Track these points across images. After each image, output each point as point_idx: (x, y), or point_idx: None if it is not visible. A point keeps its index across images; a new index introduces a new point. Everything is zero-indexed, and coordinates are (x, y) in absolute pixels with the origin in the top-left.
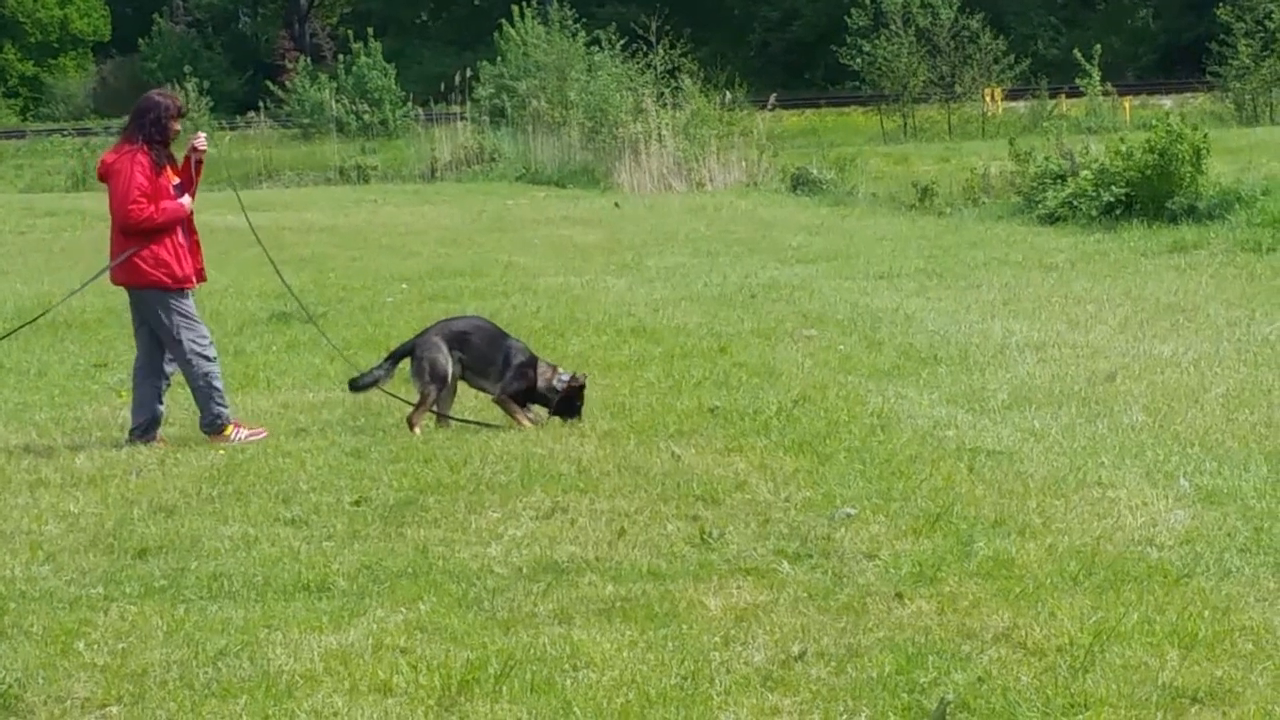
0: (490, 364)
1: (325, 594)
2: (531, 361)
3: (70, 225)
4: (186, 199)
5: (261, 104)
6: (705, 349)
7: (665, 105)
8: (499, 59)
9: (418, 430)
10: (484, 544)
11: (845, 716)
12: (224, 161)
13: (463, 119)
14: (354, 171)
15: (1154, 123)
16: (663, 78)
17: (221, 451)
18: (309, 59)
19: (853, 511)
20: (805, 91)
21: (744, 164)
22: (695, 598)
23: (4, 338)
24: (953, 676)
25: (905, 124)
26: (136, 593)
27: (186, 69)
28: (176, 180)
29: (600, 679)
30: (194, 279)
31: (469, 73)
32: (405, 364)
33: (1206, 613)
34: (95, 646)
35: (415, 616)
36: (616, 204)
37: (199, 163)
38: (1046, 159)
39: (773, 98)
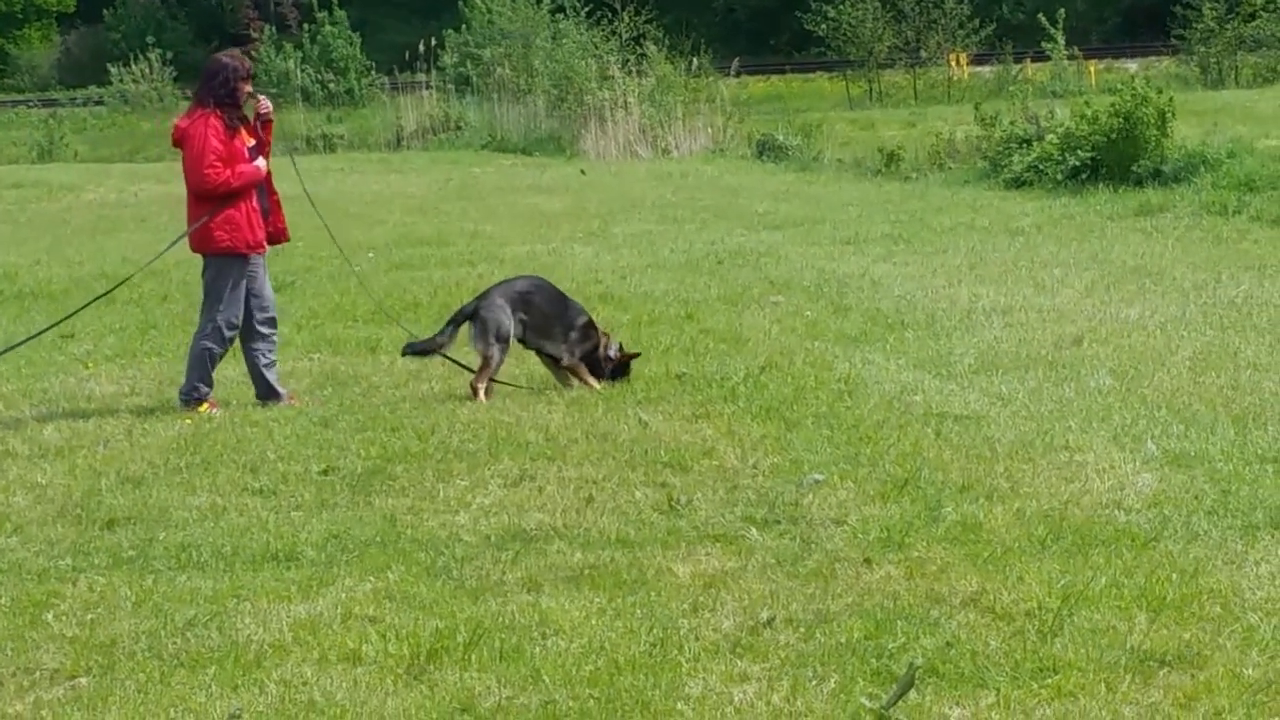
0: (554, 324)
1: (294, 563)
2: (593, 324)
3: (36, 197)
4: (261, 161)
5: None
6: (672, 316)
7: (630, 73)
8: (464, 27)
9: (483, 396)
10: (452, 512)
11: (814, 683)
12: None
13: (428, 88)
14: (320, 141)
15: (1119, 86)
16: (628, 45)
17: (189, 421)
18: (274, 28)
19: (820, 477)
20: (771, 58)
21: (710, 131)
22: (664, 565)
23: (62, 320)
24: (921, 641)
25: (871, 89)
26: (105, 564)
27: (151, 39)
28: (252, 142)
29: (569, 646)
30: (264, 245)
31: (434, 41)
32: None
33: (1174, 576)
34: (64, 618)
35: (384, 585)
36: (582, 171)
37: (267, 124)
38: (1012, 123)
39: (735, 62)
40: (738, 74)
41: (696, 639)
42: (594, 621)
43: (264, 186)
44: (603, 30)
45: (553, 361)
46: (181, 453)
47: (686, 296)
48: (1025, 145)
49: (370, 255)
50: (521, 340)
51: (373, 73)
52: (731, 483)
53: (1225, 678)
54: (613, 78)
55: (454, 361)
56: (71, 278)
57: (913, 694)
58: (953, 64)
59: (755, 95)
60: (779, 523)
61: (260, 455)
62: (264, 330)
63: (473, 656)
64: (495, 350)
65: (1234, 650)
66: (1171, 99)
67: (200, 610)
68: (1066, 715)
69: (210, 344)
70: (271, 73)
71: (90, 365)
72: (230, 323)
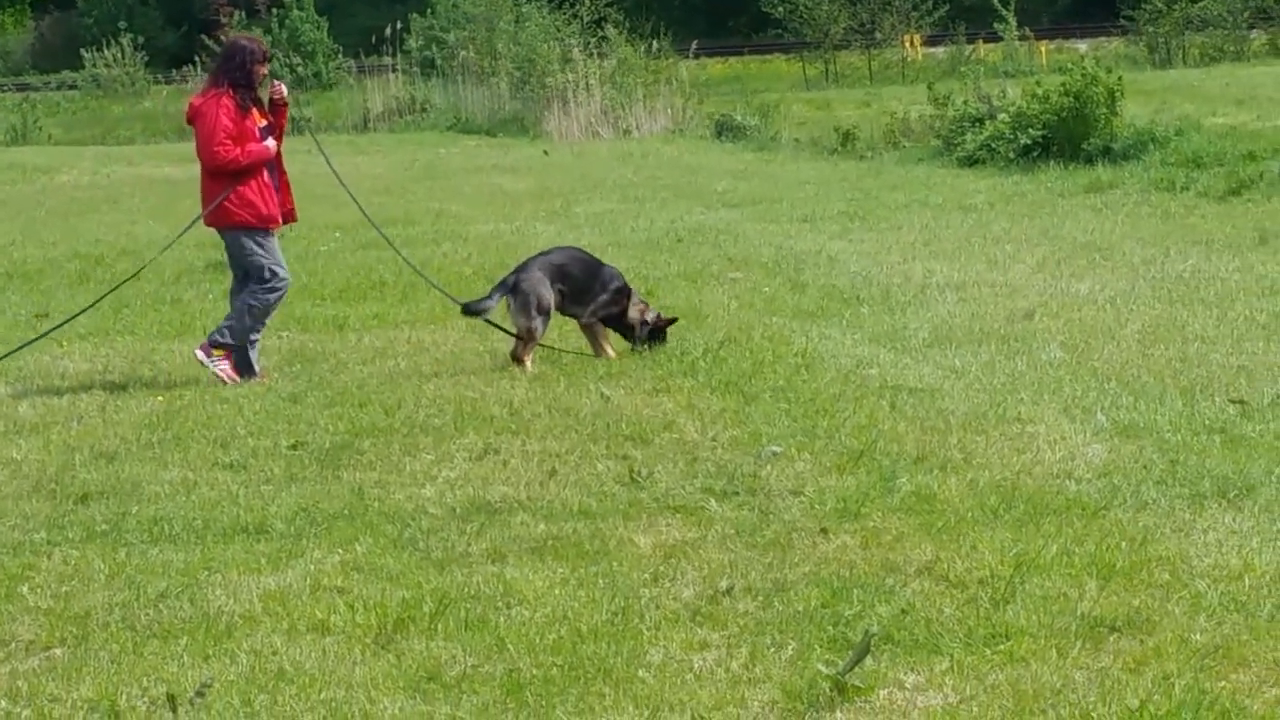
0: (588, 292)
1: (263, 536)
2: (626, 290)
3: (10, 179)
4: (271, 141)
5: (197, 58)
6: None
7: (592, 55)
8: (429, 11)
9: (529, 365)
10: (418, 485)
11: (772, 650)
12: (160, 115)
13: (394, 70)
14: (288, 123)
15: (1069, 66)
16: (589, 28)
17: (160, 398)
18: (243, 13)
19: (778, 449)
20: (729, 40)
21: (670, 111)
22: (625, 535)
23: (87, 309)
24: (877, 609)
25: (827, 70)
26: (79, 537)
27: (123, 24)
28: (264, 123)
29: (532, 616)
30: (279, 219)
31: (399, 25)
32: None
33: (1124, 544)
34: (39, 590)
35: (352, 557)
36: (545, 152)
37: (282, 107)
38: (965, 103)
39: (694, 44)
40: (697, 56)
41: (657, 608)
42: (557, 591)
43: (274, 166)
44: (564, 14)
45: (583, 329)
46: (154, 428)
47: (647, 274)
48: (978, 124)
49: (337, 235)
50: (560, 309)
51: (339, 56)
52: (691, 455)
53: (1173, 643)
54: (574, 60)
55: (496, 326)
56: (46, 258)
57: (869, 660)
58: (907, 45)
59: (714, 77)
60: (738, 494)
61: (231, 431)
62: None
63: (439, 626)
64: (538, 323)
65: (1182, 616)
66: (1120, 78)
67: (172, 582)
68: (1019, 680)
69: (259, 299)
70: None
71: (64, 344)
72: (273, 271)
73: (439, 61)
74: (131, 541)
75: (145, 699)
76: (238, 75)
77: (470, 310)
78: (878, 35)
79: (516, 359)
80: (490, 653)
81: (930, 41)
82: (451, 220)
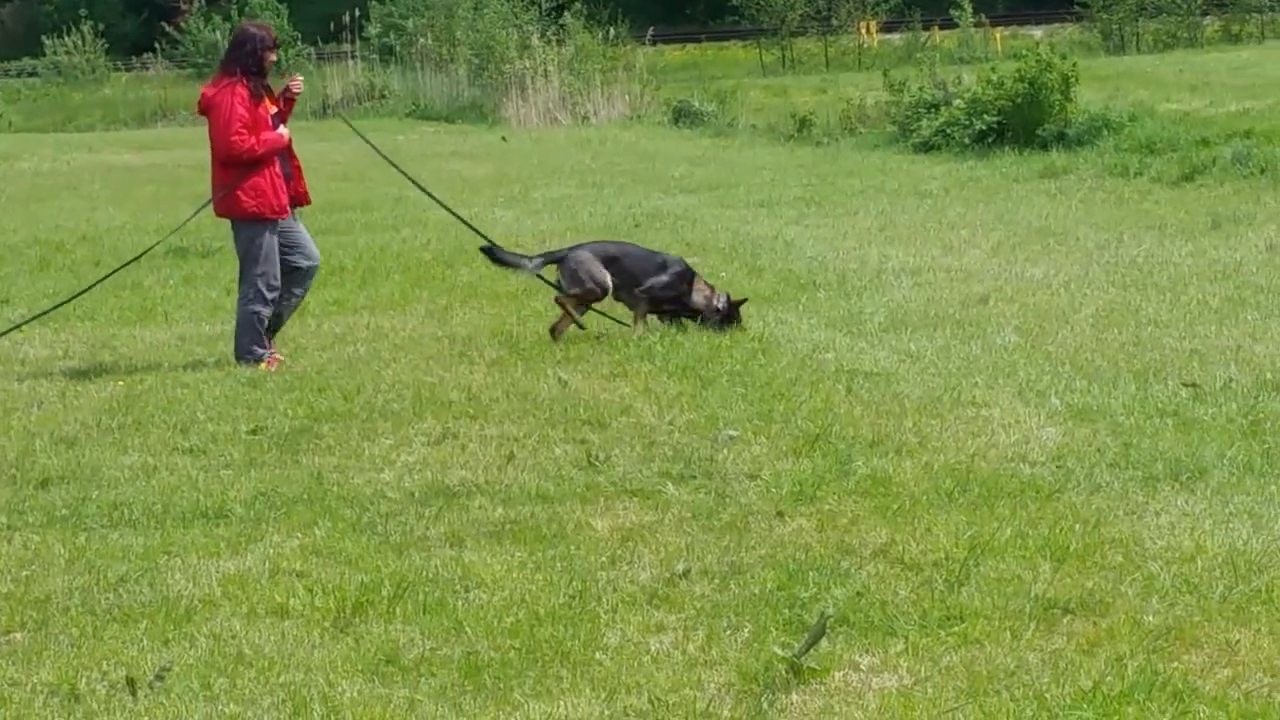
0: (644, 276)
1: (223, 520)
2: (688, 274)
3: None
4: (284, 129)
5: (157, 45)
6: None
7: (550, 42)
8: None
9: (576, 316)
10: (377, 470)
11: (728, 632)
12: (120, 102)
13: (353, 57)
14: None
15: (1024, 53)
16: (548, 15)
17: (120, 384)
18: (202, 0)
19: (735, 433)
20: (686, 26)
21: (627, 98)
22: (583, 519)
23: (83, 291)
24: (832, 591)
25: (784, 57)
26: (39, 522)
27: (82, 12)
28: (274, 110)
29: (491, 599)
30: (288, 210)
31: (358, 12)
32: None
33: (1077, 526)
34: None
35: (311, 541)
36: (504, 138)
37: (290, 100)
38: (920, 89)
39: (651, 31)
40: (654, 43)
41: (614, 590)
42: (515, 575)
43: (285, 153)
44: (523, 1)
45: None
46: (114, 414)
47: None
48: (933, 110)
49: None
50: (616, 297)
51: (299, 43)
52: (649, 439)
53: (1126, 624)
54: (533, 47)
55: (546, 280)
56: (6, 245)
57: (824, 642)
58: (863, 32)
59: (671, 63)
60: (694, 477)
61: (190, 416)
62: (306, 282)
63: (397, 609)
64: (595, 287)
65: (1135, 598)
66: (1075, 65)
67: (132, 566)
68: (973, 662)
69: (255, 307)
70: (199, 44)
71: (24, 330)
72: (270, 284)
73: (398, 48)
74: (91, 526)
75: (105, 682)
76: (249, 63)
77: (496, 256)
78: (834, 22)
79: (559, 304)
80: (448, 636)
81: (886, 28)
82: (410, 206)
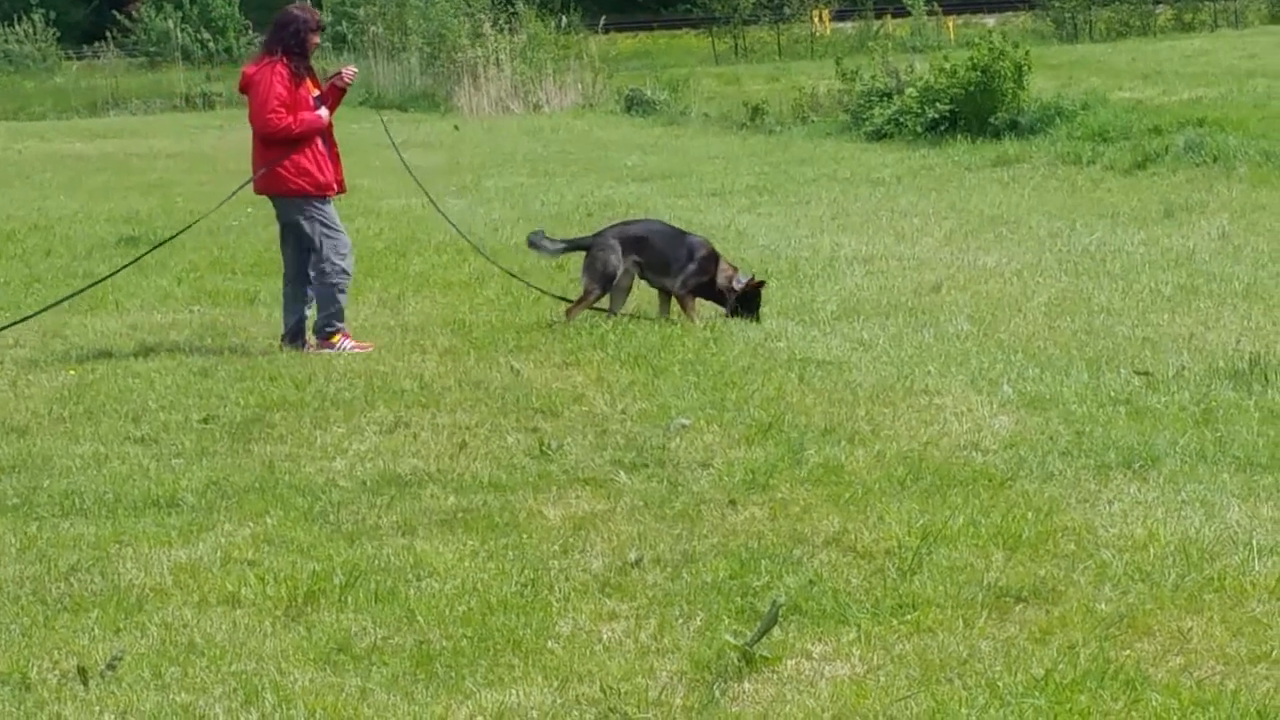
0: (671, 261)
1: (174, 510)
2: (713, 256)
3: None
4: (324, 111)
5: (108, 33)
6: (543, 266)
7: (502, 30)
8: None
9: (567, 320)
10: (329, 459)
11: (681, 620)
12: (71, 91)
13: None
14: (200, 98)
15: (977, 41)
16: (499, 3)
17: (72, 373)
18: None
19: (687, 422)
20: (638, 15)
21: (580, 86)
22: (535, 507)
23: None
24: (785, 580)
25: (736, 45)
26: None
27: (34, 0)
28: (317, 93)
29: (442, 588)
30: (334, 187)
31: (310, 0)
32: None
33: (1030, 514)
34: None
35: (262, 530)
36: (456, 127)
37: (339, 89)
38: (873, 77)
39: (602, 19)
40: (606, 31)
41: (566, 579)
42: (467, 563)
43: (325, 137)
44: None
45: (665, 294)
46: (65, 403)
47: None
48: (885, 99)
49: (249, 210)
50: (643, 277)
51: (250, 31)
52: (601, 428)
53: (1079, 612)
54: (485, 36)
55: (541, 290)
56: None
57: (776, 631)
58: (815, 20)
59: (624, 52)
60: (647, 466)
61: (142, 405)
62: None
63: (349, 598)
64: (596, 289)
65: (1087, 586)
66: (1028, 53)
67: (83, 555)
68: (925, 650)
69: (335, 279)
70: (151, 32)
71: None
72: (339, 252)
73: (349, 36)
74: (42, 515)
75: (56, 671)
76: (292, 44)
77: (534, 244)
78: (786, 10)
79: (568, 314)
80: (400, 624)
81: (839, 16)
82: (363, 195)
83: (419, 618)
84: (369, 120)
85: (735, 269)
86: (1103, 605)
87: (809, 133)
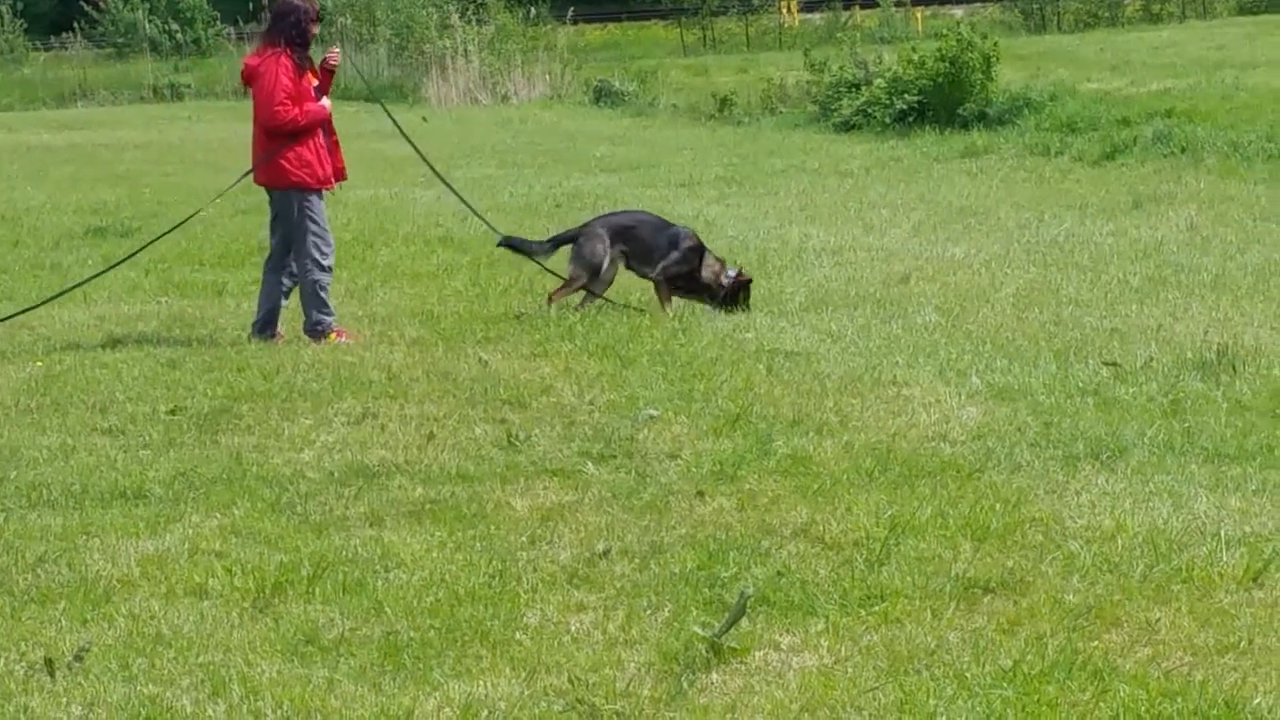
0: (654, 250)
1: (142, 501)
2: (699, 249)
3: None
4: (326, 101)
5: (76, 24)
6: (511, 257)
7: (470, 21)
8: None
9: (553, 309)
10: (297, 450)
11: (649, 611)
12: (38, 82)
13: None
14: (168, 90)
15: (945, 32)
16: None
17: (39, 364)
18: None
19: (655, 413)
20: (607, 6)
21: (548, 78)
22: (503, 499)
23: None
24: (753, 571)
25: (705, 37)
26: None
27: None
28: (316, 82)
29: (410, 579)
30: (333, 180)
31: None
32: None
33: (998, 505)
34: None
35: (230, 521)
36: (424, 118)
37: (330, 71)
38: (841, 69)
39: (570, 10)
40: (575, 22)
41: (534, 570)
42: (435, 554)
43: (325, 126)
44: None
45: (655, 286)
46: (32, 394)
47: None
48: (854, 90)
49: (216, 200)
50: (629, 267)
51: (218, 23)
52: (569, 419)
53: (1047, 603)
54: (453, 27)
55: (548, 270)
56: None
57: (744, 622)
58: (784, 11)
59: (592, 43)
60: (615, 457)
61: (109, 396)
62: (294, 269)
63: (316, 589)
64: (582, 275)
65: (1055, 577)
66: (996, 44)
67: (50, 547)
68: (893, 641)
69: (315, 275)
70: (119, 24)
71: None
72: (322, 250)
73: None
74: (9, 507)
75: (23, 663)
76: (293, 34)
77: (513, 244)
78: (755, 1)
79: (550, 297)
80: (368, 616)
81: (807, 8)
82: None
83: (387, 609)
84: (337, 112)
85: (722, 263)
86: (1071, 596)
87: (777, 124)
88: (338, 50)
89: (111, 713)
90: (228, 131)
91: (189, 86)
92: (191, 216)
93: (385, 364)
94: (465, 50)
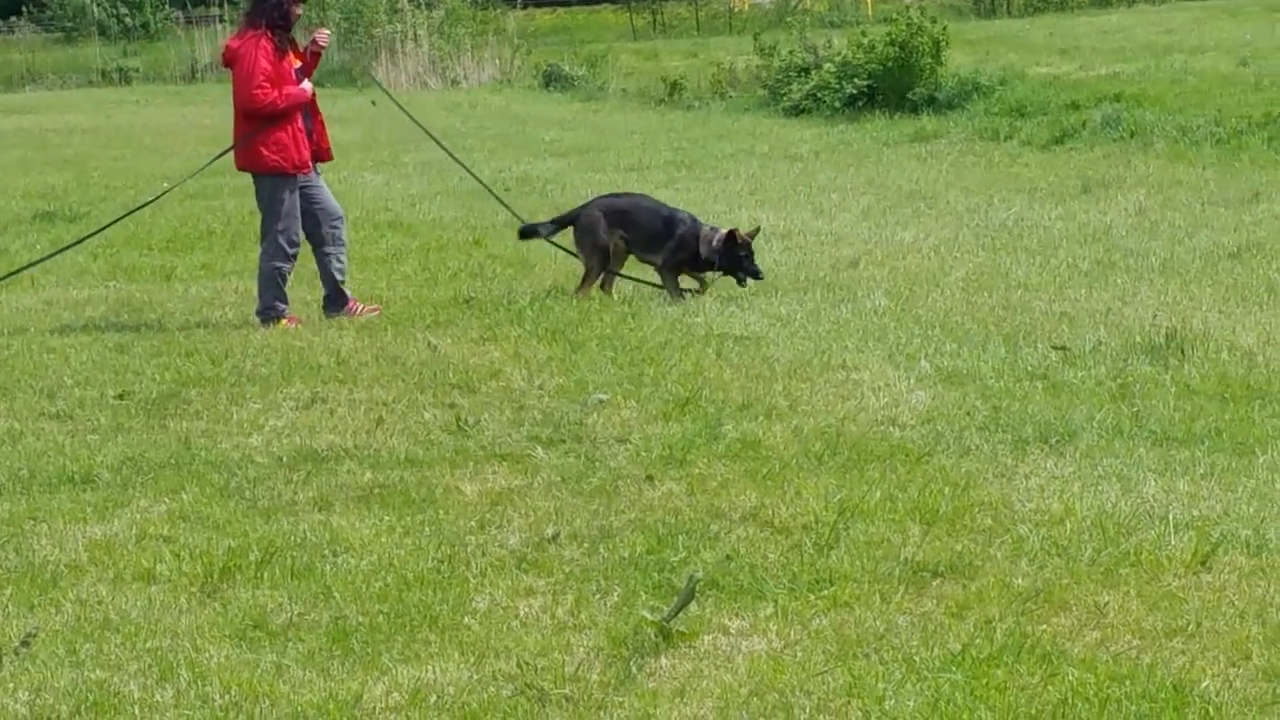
0: (654, 236)
1: (90, 486)
2: (695, 231)
3: None
4: (307, 83)
5: (24, 8)
6: (460, 242)
7: (419, 5)
8: None
9: (577, 299)
10: (245, 434)
11: (598, 596)
12: None
13: (221, 21)
14: (116, 74)
15: (895, 17)
16: None
17: None
18: None
19: (604, 397)
20: None
21: (497, 62)
22: (451, 483)
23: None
24: (702, 555)
25: (654, 21)
26: None
27: None
28: (298, 64)
29: (359, 563)
30: (310, 165)
31: None
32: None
33: (947, 489)
34: None
35: (178, 506)
36: (373, 102)
37: (316, 54)
38: (791, 53)
39: None
40: (524, 6)
41: (483, 555)
42: (383, 539)
43: (309, 107)
44: None
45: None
46: None
47: (474, 223)
48: (804, 74)
49: (165, 185)
50: (629, 252)
51: (167, 7)
52: (518, 403)
53: (996, 587)
54: (402, 10)
55: (559, 246)
56: None
57: (693, 606)
58: None
59: (542, 27)
60: (564, 441)
61: (57, 380)
62: (335, 233)
63: (265, 574)
64: (595, 261)
65: (1004, 561)
66: (945, 28)
67: None
68: (842, 625)
69: (277, 263)
70: (67, 7)
71: None
72: (290, 240)
73: None
74: None
75: None
76: (275, 15)
77: (524, 233)
78: None
79: (578, 295)
80: (316, 601)
81: None
82: None
83: (335, 594)
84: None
85: (714, 229)
86: (1019, 580)
87: (727, 108)
88: (327, 33)
89: (59, 698)
90: (176, 116)
91: (137, 70)
92: (164, 194)
93: (334, 348)
94: (415, 34)
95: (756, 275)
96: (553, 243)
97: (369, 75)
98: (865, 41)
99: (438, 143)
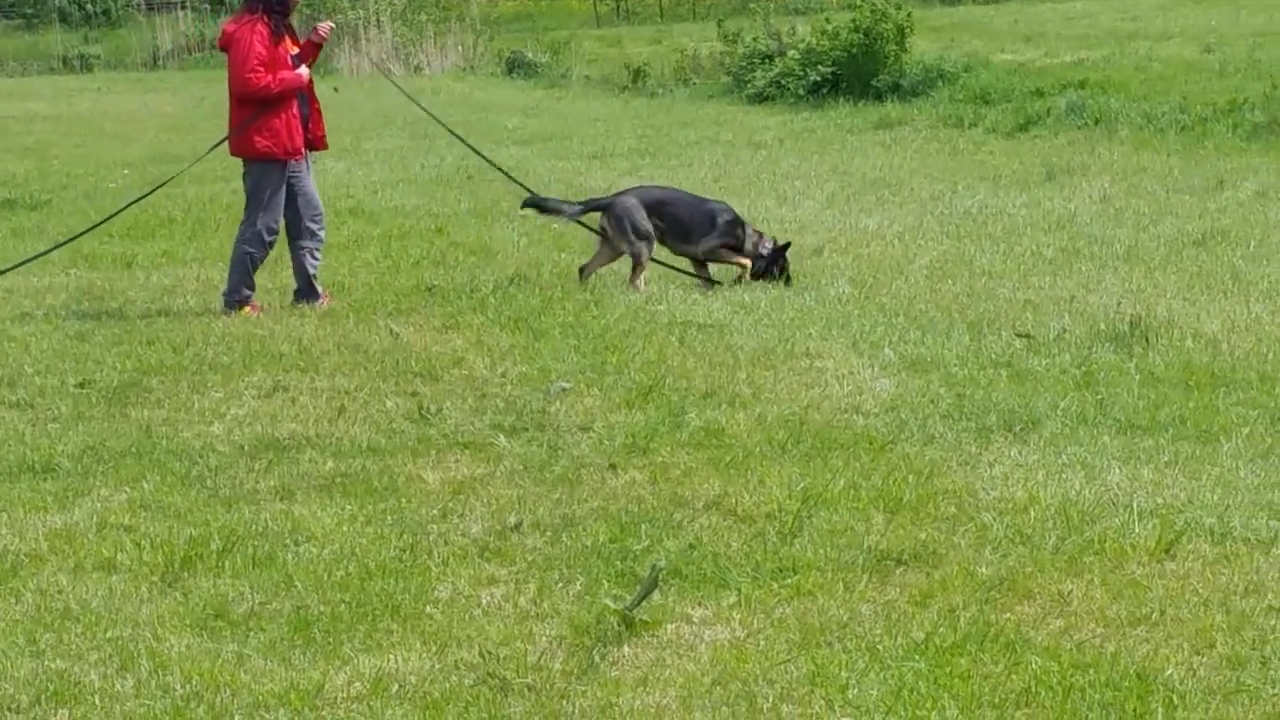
0: (693, 228)
1: (50, 475)
2: (737, 221)
3: None
4: (304, 69)
5: None
6: (423, 229)
7: None
8: None
9: (642, 290)
10: (207, 423)
11: (561, 585)
12: None
13: (183, 8)
14: (77, 61)
15: (859, 3)
16: None
17: None
18: None
19: (567, 385)
20: None
21: (460, 49)
22: (414, 472)
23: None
24: (665, 544)
25: (618, 7)
26: None
27: None
28: (295, 50)
29: (321, 552)
30: (302, 151)
31: None
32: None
33: (911, 477)
34: None
35: (139, 495)
36: (335, 89)
37: (317, 44)
38: (754, 40)
39: None
40: None
41: (445, 544)
42: (345, 528)
43: (305, 94)
44: None
45: (693, 260)
46: None
47: (437, 210)
48: (768, 61)
49: (125, 172)
50: (663, 243)
51: None
52: (481, 391)
53: (959, 575)
54: None
55: (581, 224)
56: None
57: (656, 595)
58: None
59: (505, 14)
60: (527, 430)
61: (17, 369)
62: (313, 228)
63: (226, 563)
64: (641, 247)
65: (968, 549)
66: (910, 15)
67: None
68: (806, 614)
69: (251, 249)
70: None
71: None
72: (270, 228)
73: None
74: None
75: None
76: (272, 1)
77: (537, 204)
78: None
79: (634, 287)
80: (278, 590)
81: None
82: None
83: (297, 583)
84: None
85: (760, 235)
86: (983, 568)
87: (691, 95)
88: (330, 25)
89: (19, 688)
90: (137, 103)
91: (98, 58)
92: (171, 179)
93: (296, 336)
94: (378, 20)
95: (788, 280)
96: (580, 223)
97: (384, 71)
98: (829, 28)
99: (450, 131)
